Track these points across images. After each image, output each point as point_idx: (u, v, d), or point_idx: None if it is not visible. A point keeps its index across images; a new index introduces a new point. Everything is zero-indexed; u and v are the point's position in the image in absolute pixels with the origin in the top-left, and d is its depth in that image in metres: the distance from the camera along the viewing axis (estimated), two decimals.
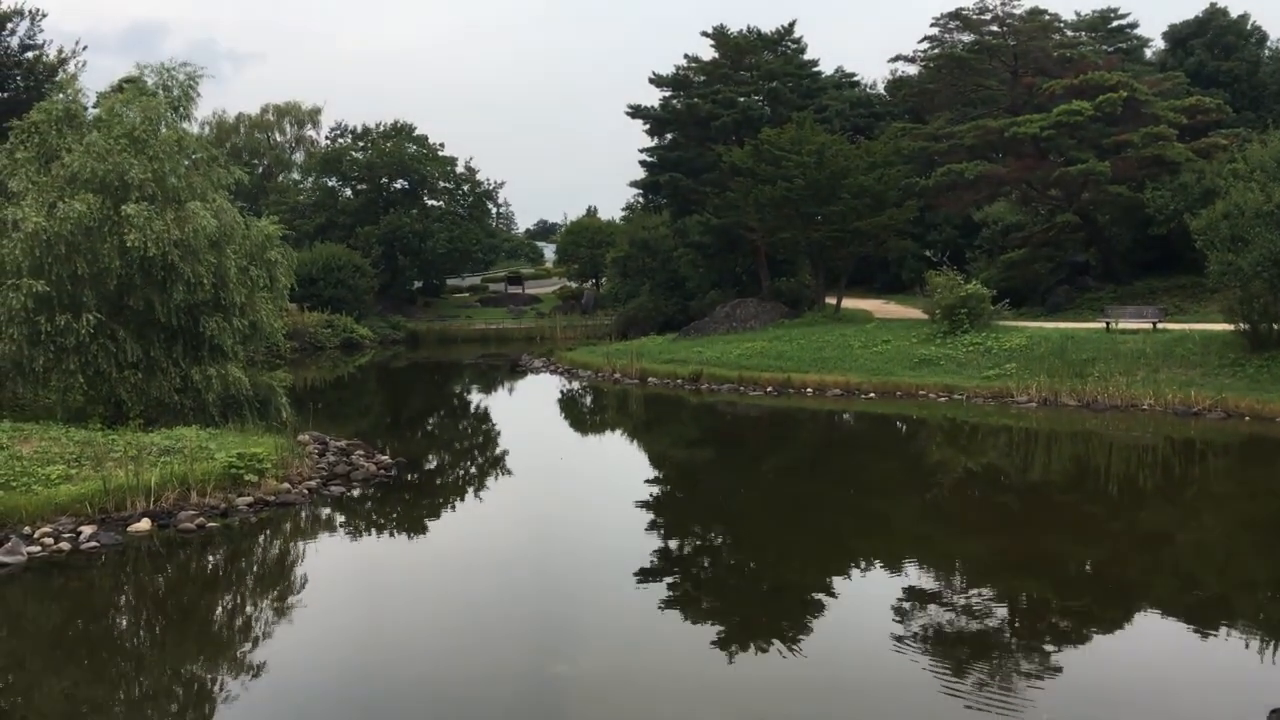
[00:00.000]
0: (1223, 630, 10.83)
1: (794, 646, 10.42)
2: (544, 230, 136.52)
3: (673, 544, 14.99)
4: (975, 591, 12.29)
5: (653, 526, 15.99)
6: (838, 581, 12.89)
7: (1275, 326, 27.51)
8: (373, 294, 61.14)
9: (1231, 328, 28.52)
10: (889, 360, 32.82)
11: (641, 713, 8.93)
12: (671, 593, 12.32)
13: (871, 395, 30.19)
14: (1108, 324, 33.39)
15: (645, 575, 12.88)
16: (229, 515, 15.51)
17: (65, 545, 13.63)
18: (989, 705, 8.78)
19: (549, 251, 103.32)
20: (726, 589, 12.94)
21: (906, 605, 11.55)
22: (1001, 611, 11.63)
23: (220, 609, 12.20)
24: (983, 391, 28.95)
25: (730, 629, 11.06)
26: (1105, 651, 10.34)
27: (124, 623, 11.83)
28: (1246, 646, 10.26)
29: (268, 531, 15.38)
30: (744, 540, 15.42)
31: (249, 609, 12.18)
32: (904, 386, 30.30)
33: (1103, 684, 9.37)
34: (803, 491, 18.86)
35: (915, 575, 12.94)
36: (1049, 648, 10.34)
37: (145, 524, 14.62)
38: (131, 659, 10.53)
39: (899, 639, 10.44)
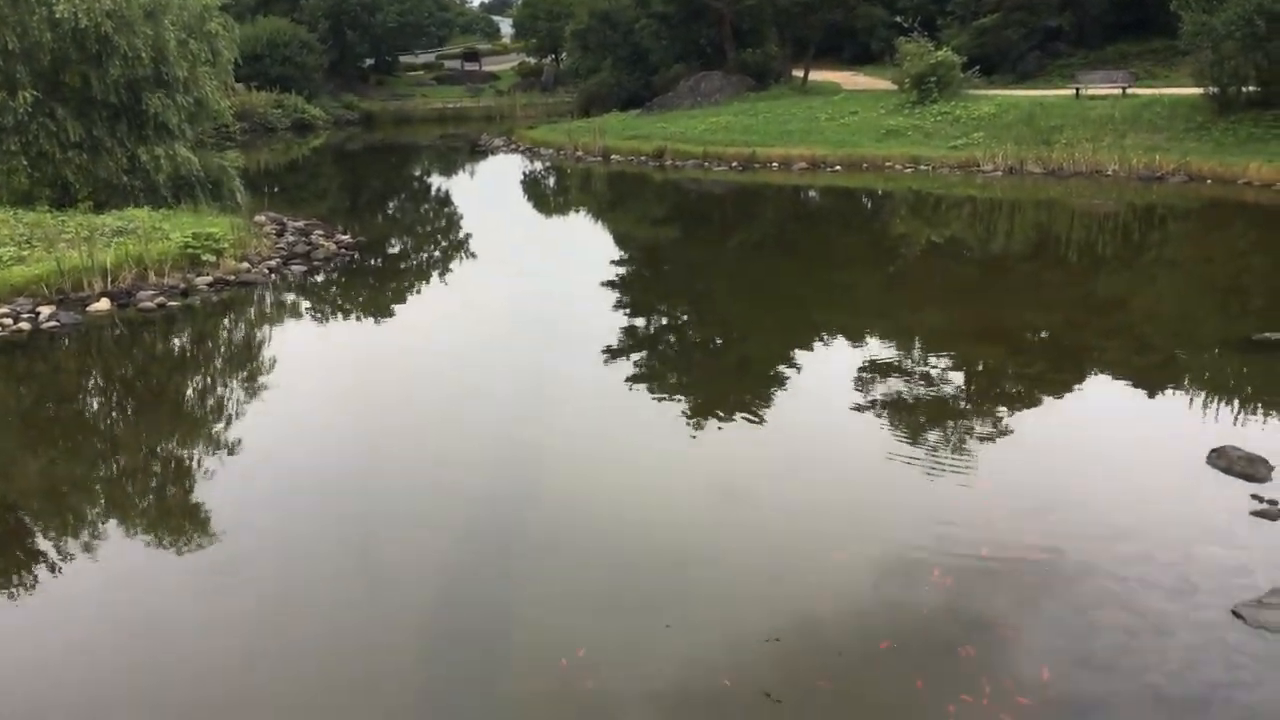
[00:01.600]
0: (1170, 387, 11.20)
1: (758, 416, 10.66)
2: (500, 3, 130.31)
3: (639, 321, 15.07)
4: (934, 360, 12.53)
5: (619, 305, 16.03)
6: (801, 354, 13.09)
7: (1244, 89, 27.18)
8: (322, 72, 58.65)
9: (1200, 91, 28.16)
10: (856, 132, 32.30)
11: (608, 476, 9.19)
12: (639, 368, 12.47)
13: (837, 168, 29.90)
14: (1077, 90, 32.83)
15: (613, 352, 13.00)
16: (189, 295, 15.36)
17: (25, 325, 13.51)
18: (943, 469, 9.09)
19: (505, 26, 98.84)
20: (693, 363, 13.12)
21: (868, 375, 11.78)
22: (958, 379, 11.90)
23: (191, 388, 12.25)
24: (949, 161, 28.72)
25: (696, 401, 11.27)
26: (1056, 412, 10.66)
27: (95, 402, 11.87)
28: (1191, 404, 10.61)
29: (231, 312, 15.29)
30: (709, 315, 15.54)
31: (219, 388, 12.23)
32: (870, 159, 29.98)
33: (1051, 441, 9.71)
34: (767, 266, 18.91)
35: (877, 346, 13.14)
36: (1001, 411, 10.65)
37: (104, 304, 14.47)
38: (105, 437, 10.62)
39: (860, 408, 10.69)
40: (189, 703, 6.02)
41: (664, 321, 15.24)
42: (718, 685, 5.98)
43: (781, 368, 12.40)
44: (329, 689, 6.14)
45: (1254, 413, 10.16)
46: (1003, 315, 14.56)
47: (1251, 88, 27.05)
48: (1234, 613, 6.39)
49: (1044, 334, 13.73)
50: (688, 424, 10.40)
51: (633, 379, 11.88)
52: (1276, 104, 26.65)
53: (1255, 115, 26.62)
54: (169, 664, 6.39)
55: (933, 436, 9.81)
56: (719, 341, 14.15)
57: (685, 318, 15.61)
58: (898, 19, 43.92)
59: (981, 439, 9.78)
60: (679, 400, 11.25)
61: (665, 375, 12.38)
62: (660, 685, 6.01)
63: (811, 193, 27.83)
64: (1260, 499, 7.98)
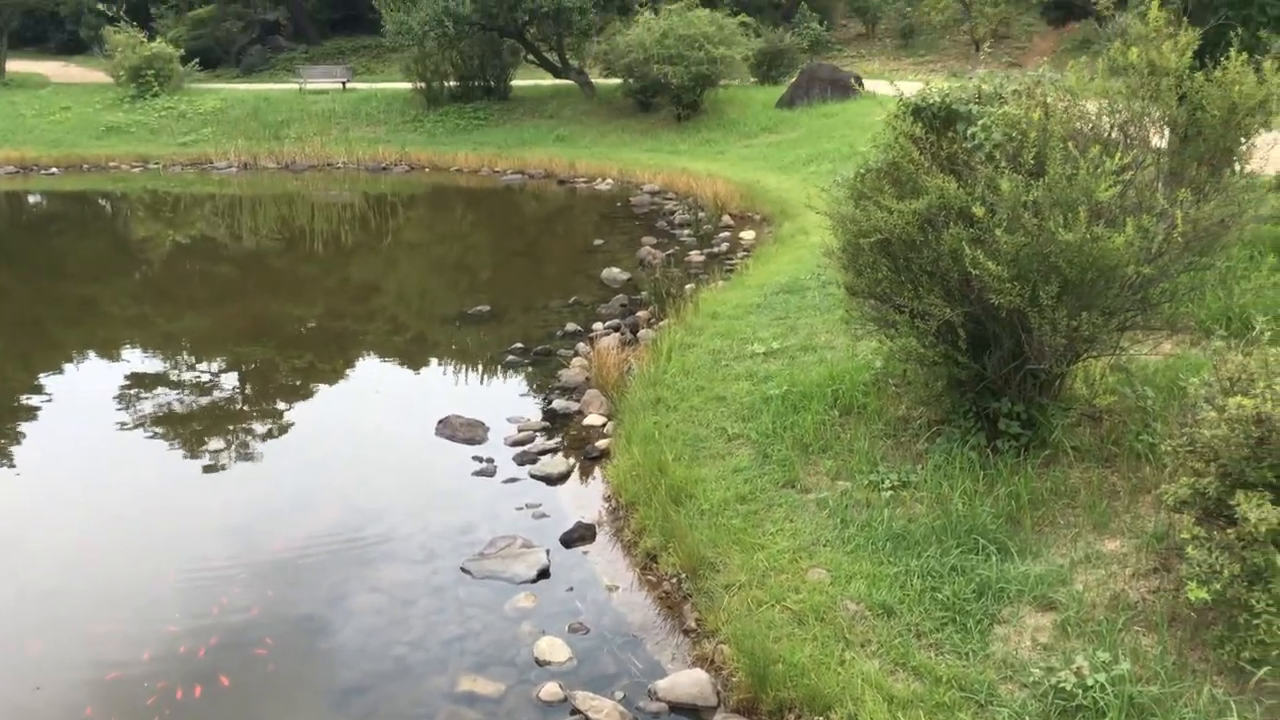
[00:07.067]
0: (412, 364, 12.60)
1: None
2: None
3: None
4: (203, 366, 12.48)
5: None
6: (51, 380, 12.10)
7: (445, 85, 30.63)
8: None
9: (410, 86, 31.08)
10: (72, 130, 30.00)
11: None
12: None
13: (54, 171, 27.59)
14: (300, 85, 34.03)
15: None
16: None
17: None
18: (218, 479, 9.21)
19: None
20: None
21: (132, 391, 11.35)
22: (232, 381, 12.02)
23: None
24: (180, 159, 28.12)
25: None
26: (325, 401, 11.24)
27: None
28: (425, 379, 11.97)
29: None
30: None
31: None
32: (91, 159, 28.15)
33: (320, 431, 10.25)
34: None
35: (138, 359, 12.69)
36: (281, 405, 11.06)
37: None
38: None
39: (128, 426, 10.31)
40: None
41: None
42: None
43: (25, 399, 11.31)
44: None
45: (470, 380, 11.56)
46: (267, 311, 14.84)
47: (452, 83, 30.58)
48: (463, 569, 7.20)
49: (310, 325, 14.21)
50: None
51: None
52: (472, 98, 30.51)
53: (458, 109, 30.18)
54: None
55: (215, 445, 9.86)
56: None
57: None
58: (100, 6, 41.17)
59: (253, 440, 9.84)
60: None
61: None
62: None
63: (31, 198, 25.31)
64: (480, 459, 8.91)
